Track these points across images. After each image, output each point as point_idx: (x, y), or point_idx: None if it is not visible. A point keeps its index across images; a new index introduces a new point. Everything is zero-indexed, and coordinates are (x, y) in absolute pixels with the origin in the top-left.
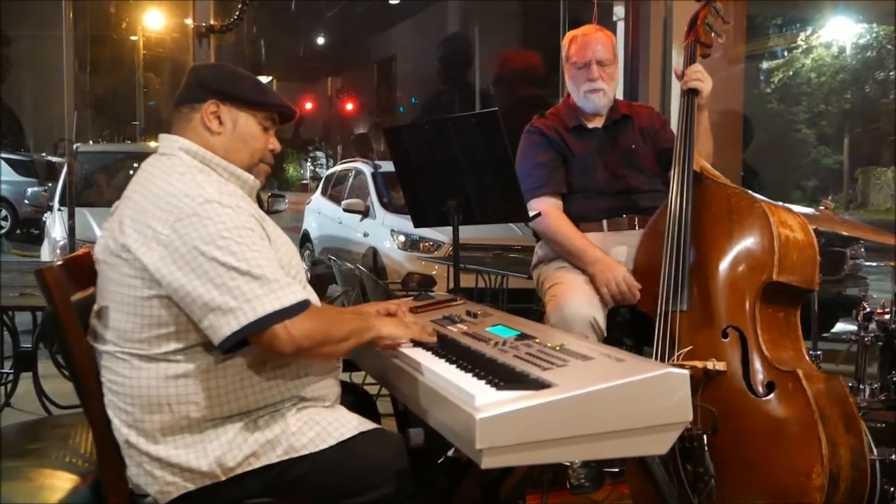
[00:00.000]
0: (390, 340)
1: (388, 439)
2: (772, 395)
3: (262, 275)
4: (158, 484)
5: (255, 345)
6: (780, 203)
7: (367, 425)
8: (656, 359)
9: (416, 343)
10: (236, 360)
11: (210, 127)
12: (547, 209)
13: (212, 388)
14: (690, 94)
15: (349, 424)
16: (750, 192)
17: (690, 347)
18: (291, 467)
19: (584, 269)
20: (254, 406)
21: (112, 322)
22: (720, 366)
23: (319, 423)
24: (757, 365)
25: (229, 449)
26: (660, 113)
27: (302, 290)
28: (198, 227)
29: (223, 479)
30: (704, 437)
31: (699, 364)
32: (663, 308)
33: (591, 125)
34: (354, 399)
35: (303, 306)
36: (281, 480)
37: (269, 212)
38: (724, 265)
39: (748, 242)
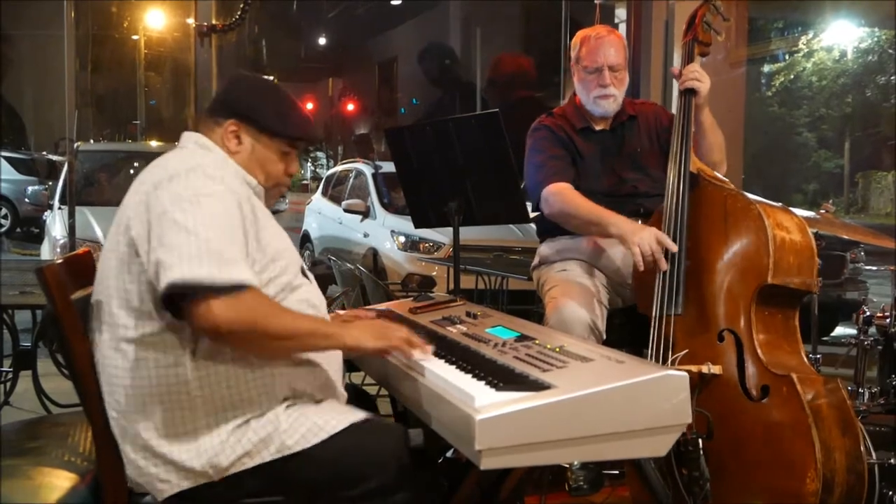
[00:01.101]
0: (359, 351)
1: (383, 429)
2: (766, 399)
3: (206, 239)
4: (153, 480)
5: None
6: (779, 204)
7: (359, 415)
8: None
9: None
10: (225, 349)
11: (228, 146)
12: (561, 188)
13: (203, 378)
14: (688, 94)
15: (340, 416)
16: (746, 193)
17: (686, 351)
18: (286, 464)
19: (609, 234)
20: (246, 400)
21: (105, 308)
22: (715, 369)
23: (310, 418)
24: (752, 368)
25: (222, 450)
26: (665, 108)
27: (247, 273)
28: (174, 187)
29: (216, 479)
30: (700, 441)
31: (694, 368)
32: (658, 311)
33: (598, 127)
34: (353, 397)
35: (237, 288)
36: (276, 477)
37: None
38: (719, 268)
39: (743, 245)
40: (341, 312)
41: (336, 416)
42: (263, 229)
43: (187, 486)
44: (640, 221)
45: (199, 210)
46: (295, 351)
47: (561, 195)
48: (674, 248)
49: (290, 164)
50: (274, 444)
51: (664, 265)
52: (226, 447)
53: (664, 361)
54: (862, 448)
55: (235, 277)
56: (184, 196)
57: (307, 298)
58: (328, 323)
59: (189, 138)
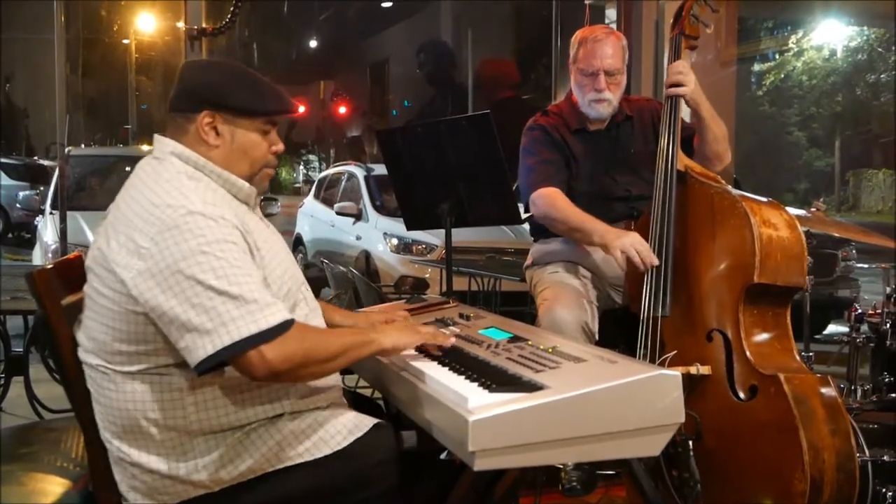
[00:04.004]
0: (396, 352)
1: (381, 438)
2: (754, 400)
3: (239, 294)
4: (150, 493)
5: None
6: (767, 199)
7: (361, 425)
8: None
9: (419, 349)
10: (220, 377)
11: (207, 140)
12: (549, 193)
13: (199, 404)
14: (674, 98)
15: (344, 430)
16: (733, 190)
17: (675, 352)
18: (287, 479)
19: (591, 242)
20: (245, 421)
21: (93, 333)
22: (704, 370)
23: (317, 432)
24: (740, 369)
25: (222, 465)
26: (659, 101)
27: (283, 310)
28: (178, 240)
29: (216, 490)
30: (690, 442)
31: (682, 369)
32: (646, 313)
33: (593, 127)
34: (352, 404)
35: (283, 328)
36: (274, 490)
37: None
38: (707, 267)
39: (730, 244)
40: (365, 310)
41: (340, 430)
42: (268, 263)
43: (185, 499)
44: (633, 224)
45: (217, 261)
46: (345, 364)
47: (547, 199)
48: (653, 258)
49: (273, 142)
50: (277, 458)
51: (654, 261)
52: (225, 462)
53: (653, 363)
54: (853, 446)
55: (279, 319)
56: (194, 248)
57: (316, 317)
58: (363, 331)
59: (164, 147)
